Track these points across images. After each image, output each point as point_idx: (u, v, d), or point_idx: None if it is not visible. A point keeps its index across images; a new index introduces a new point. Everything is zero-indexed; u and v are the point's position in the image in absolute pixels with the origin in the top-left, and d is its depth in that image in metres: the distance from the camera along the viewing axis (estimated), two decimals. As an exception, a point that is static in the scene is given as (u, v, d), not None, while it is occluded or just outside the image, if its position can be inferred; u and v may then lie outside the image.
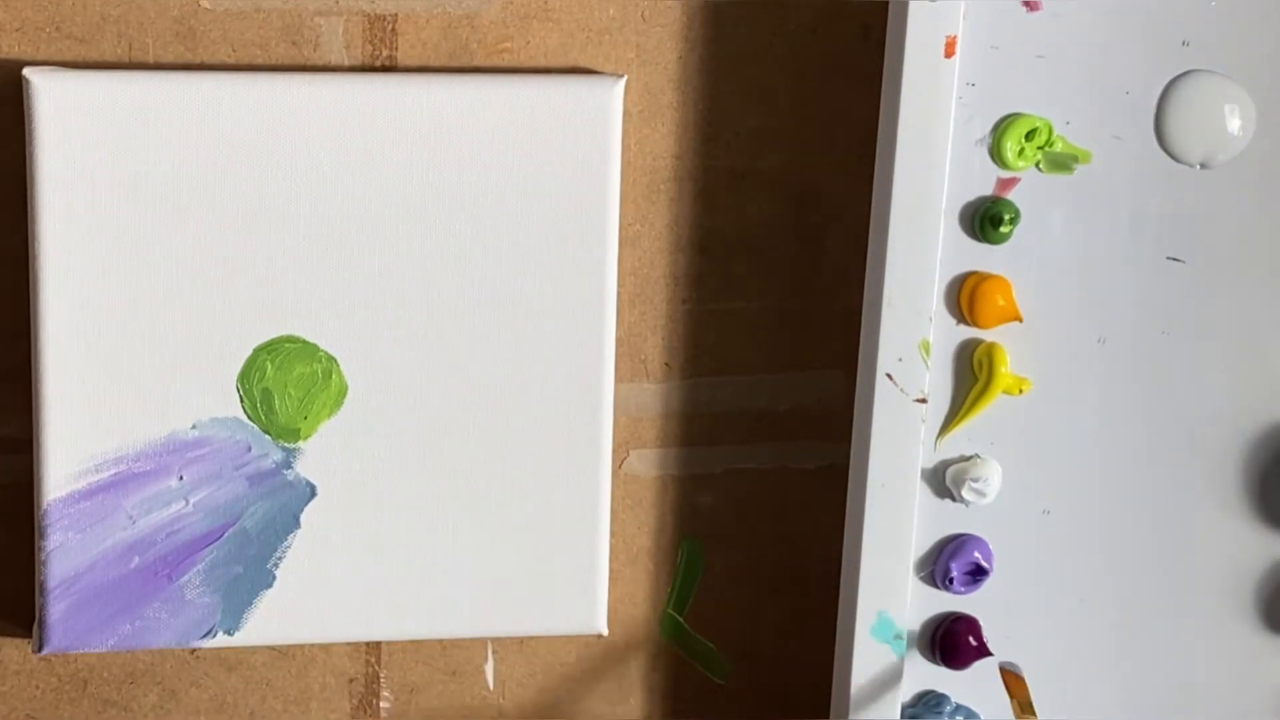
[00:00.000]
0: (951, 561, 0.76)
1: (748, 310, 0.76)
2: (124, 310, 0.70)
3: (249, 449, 0.72)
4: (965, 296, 0.74)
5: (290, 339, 0.71)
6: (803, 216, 0.76)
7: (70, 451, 0.70)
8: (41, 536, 0.71)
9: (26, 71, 0.68)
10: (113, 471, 0.71)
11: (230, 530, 0.72)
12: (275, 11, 0.71)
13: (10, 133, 0.70)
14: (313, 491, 0.72)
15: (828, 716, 0.77)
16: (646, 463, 0.77)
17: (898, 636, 0.75)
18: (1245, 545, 0.78)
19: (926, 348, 0.73)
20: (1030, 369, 0.75)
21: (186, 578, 0.72)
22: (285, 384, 0.72)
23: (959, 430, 0.75)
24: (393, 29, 0.72)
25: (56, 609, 0.71)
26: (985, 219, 0.73)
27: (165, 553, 0.72)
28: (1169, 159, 0.74)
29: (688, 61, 0.74)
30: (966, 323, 0.74)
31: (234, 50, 0.71)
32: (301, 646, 0.76)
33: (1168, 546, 0.77)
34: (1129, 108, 0.74)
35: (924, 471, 0.75)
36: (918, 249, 0.72)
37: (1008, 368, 0.75)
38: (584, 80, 0.71)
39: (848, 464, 0.75)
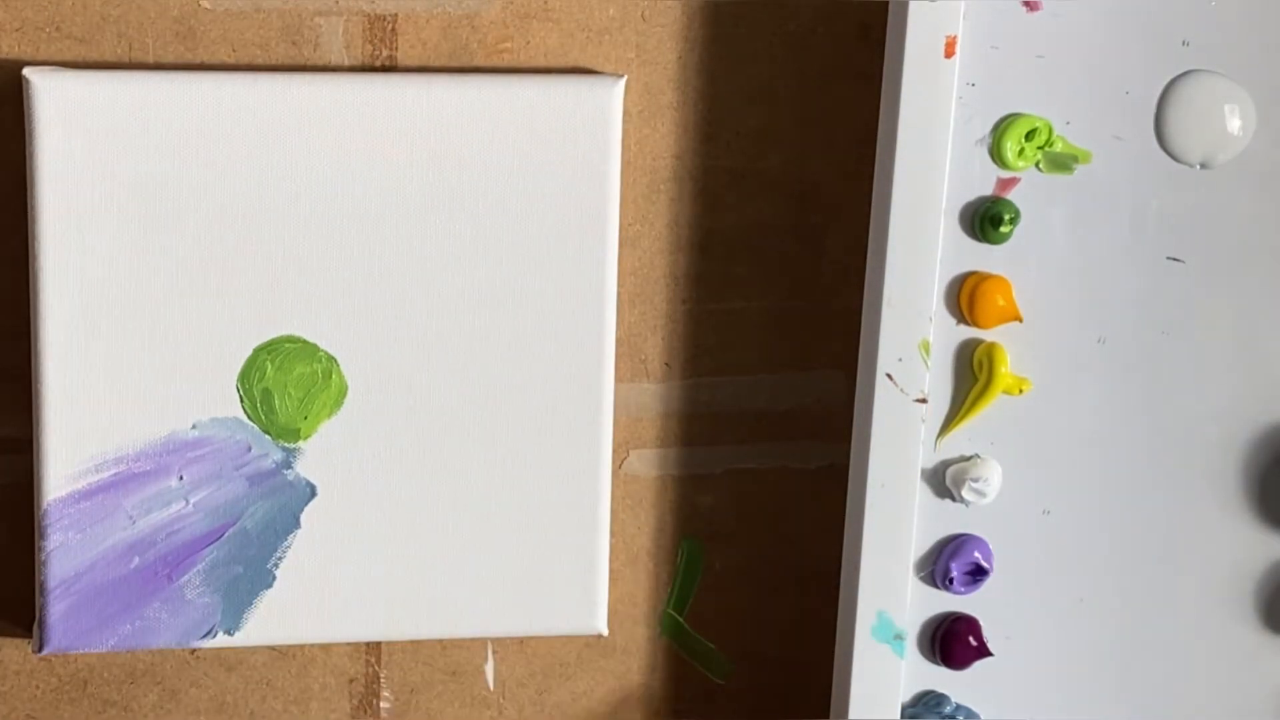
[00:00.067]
0: (951, 561, 0.76)
1: (748, 310, 0.76)
2: (124, 310, 0.70)
3: (249, 449, 0.72)
4: (965, 296, 0.74)
5: (290, 339, 0.71)
6: (803, 216, 0.76)
7: (70, 451, 0.70)
8: (41, 536, 0.71)
9: (26, 71, 0.68)
10: (113, 471, 0.71)
11: (230, 530, 0.72)
12: (275, 11, 0.71)
13: (10, 133, 0.70)
14: (313, 491, 0.73)
15: (828, 717, 0.77)
16: (646, 463, 0.77)
17: (898, 636, 0.75)
18: (1245, 545, 0.78)
19: (926, 348, 0.73)
20: (1030, 369, 0.75)
21: (186, 578, 0.72)
22: (285, 384, 0.72)
23: (959, 430, 0.75)
24: (393, 29, 0.72)
25: (56, 609, 0.71)
26: (985, 219, 0.73)
27: (165, 553, 0.72)
28: (1169, 159, 0.74)
29: (688, 61, 0.74)
30: (966, 323, 0.74)
31: (234, 50, 0.71)
32: (301, 646, 0.76)
33: (1168, 546, 0.77)
34: (1129, 108, 0.74)
35: (924, 471, 0.75)
36: (918, 249, 0.72)
37: (1008, 368, 0.75)
38: (584, 80, 0.71)
39: (848, 464, 0.75)
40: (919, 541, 0.75)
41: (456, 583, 0.74)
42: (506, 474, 0.73)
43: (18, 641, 0.74)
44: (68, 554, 0.71)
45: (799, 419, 0.78)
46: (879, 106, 0.72)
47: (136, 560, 0.72)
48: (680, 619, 0.79)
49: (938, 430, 0.75)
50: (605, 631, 0.76)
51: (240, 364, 0.71)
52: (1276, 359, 0.76)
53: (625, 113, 0.73)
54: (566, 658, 0.78)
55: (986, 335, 0.75)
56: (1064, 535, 0.77)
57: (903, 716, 0.76)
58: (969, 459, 0.75)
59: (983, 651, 0.76)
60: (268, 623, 0.73)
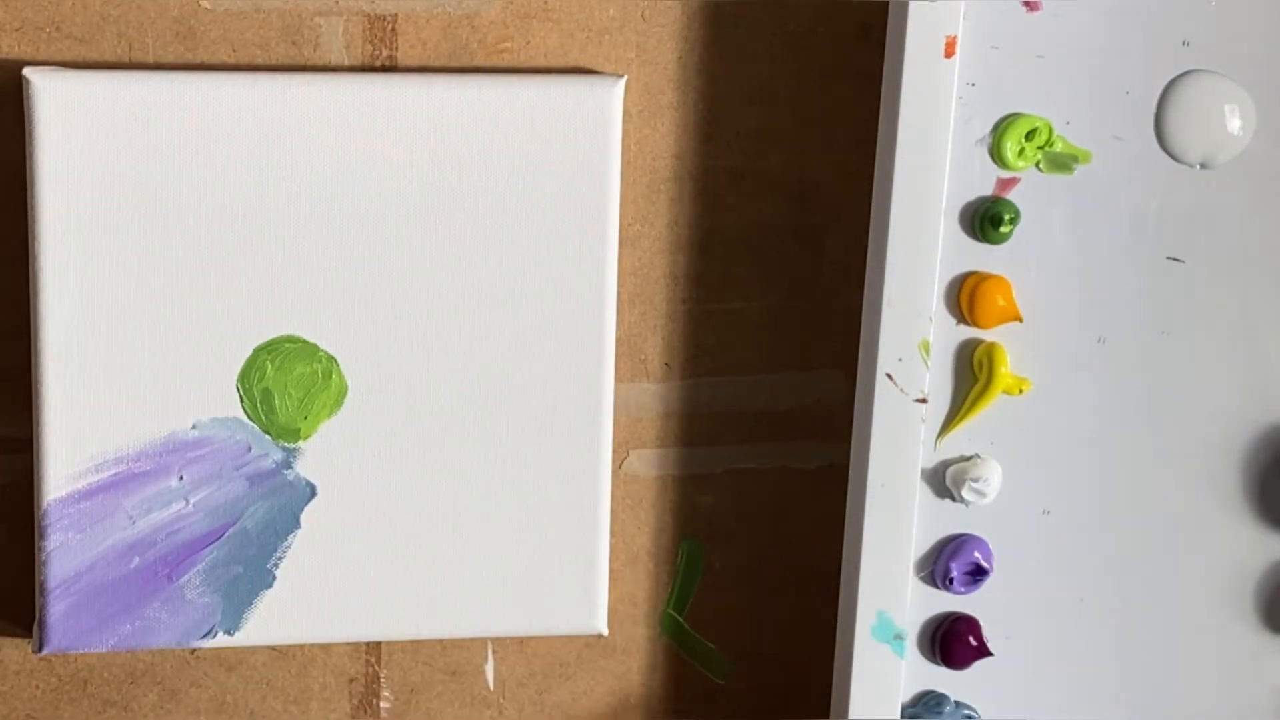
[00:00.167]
0: (951, 561, 0.76)
1: (748, 310, 0.76)
2: (124, 310, 0.70)
3: (249, 449, 0.72)
4: (965, 296, 0.74)
5: (290, 339, 0.71)
6: (803, 216, 0.76)
7: (70, 451, 0.70)
8: (41, 536, 0.71)
9: (26, 71, 0.68)
10: (113, 471, 0.71)
11: (230, 530, 0.72)
12: (275, 11, 0.71)
13: (10, 133, 0.70)
14: (313, 491, 0.73)
15: (828, 716, 0.77)
16: (646, 463, 0.77)
17: (898, 636, 0.75)
18: (1245, 545, 0.78)
19: (926, 348, 0.73)
20: (1030, 369, 0.75)
21: (186, 578, 0.72)
22: (285, 384, 0.72)
23: (959, 430, 0.75)
24: (393, 29, 0.72)
25: (56, 609, 0.71)
26: (985, 219, 0.73)
27: (165, 553, 0.72)
28: (1169, 159, 0.74)
29: (688, 61, 0.74)
30: (966, 323, 0.74)
31: (234, 50, 0.71)
32: (301, 646, 0.76)
33: (1168, 546, 0.77)
34: (1129, 108, 0.74)
35: (924, 471, 0.75)
36: (918, 249, 0.72)
37: (1008, 368, 0.75)
38: (584, 80, 0.71)
39: (848, 464, 0.75)
40: (919, 541, 0.75)
41: (456, 583, 0.74)
42: (506, 474, 0.73)
43: (18, 641, 0.74)
44: (68, 554, 0.71)
45: (799, 419, 0.78)
46: (879, 106, 0.72)
47: (136, 560, 0.72)
48: (680, 619, 0.79)
49: (938, 430, 0.75)
50: (605, 631, 0.76)
51: (240, 364, 0.71)
52: (1276, 359, 0.76)
53: (625, 113, 0.73)
54: (566, 658, 0.78)
55: (986, 335, 0.75)
56: (1064, 535, 0.77)
57: (903, 716, 0.76)
58: (969, 459, 0.75)
59: (983, 651, 0.76)
60: (268, 623, 0.73)
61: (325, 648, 0.76)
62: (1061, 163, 0.74)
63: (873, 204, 0.73)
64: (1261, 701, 0.79)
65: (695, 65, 0.74)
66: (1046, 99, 0.73)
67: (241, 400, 0.71)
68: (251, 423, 0.72)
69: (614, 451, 0.76)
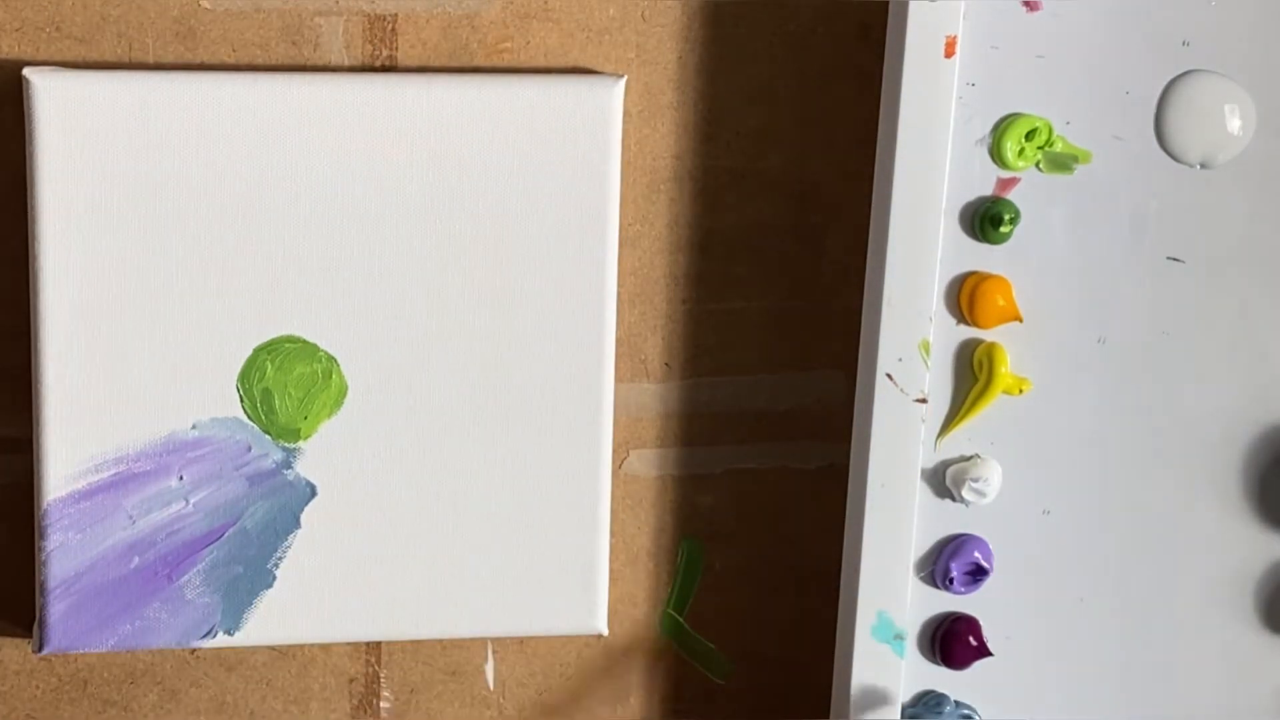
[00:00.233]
0: (951, 561, 0.76)
1: (748, 310, 0.76)
2: (124, 310, 0.70)
3: (249, 449, 0.72)
4: (965, 296, 0.74)
5: (290, 339, 0.71)
6: (803, 216, 0.76)
7: (70, 451, 0.70)
8: (41, 536, 0.71)
9: (26, 71, 0.68)
10: (113, 471, 0.71)
11: (230, 530, 0.72)
12: (275, 11, 0.71)
13: (10, 133, 0.70)
14: (313, 491, 0.73)
15: (828, 717, 0.77)
16: (646, 463, 0.77)
17: (898, 636, 0.75)
18: (1245, 545, 0.78)
19: (926, 348, 0.73)
20: (1030, 369, 0.75)
21: (186, 578, 0.72)
22: (285, 384, 0.72)
23: (959, 430, 0.75)
24: (393, 29, 0.72)
25: (56, 609, 0.71)
26: (985, 219, 0.73)
27: (165, 553, 0.72)
28: (1169, 159, 0.74)
29: (688, 61, 0.74)
30: (966, 323, 0.74)
31: (234, 50, 0.71)
32: (301, 646, 0.76)
33: (1168, 546, 0.77)
34: (1129, 108, 0.74)
35: (924, 471, 0.75)
36: (918, 249, 0.72)
37: (1008, 368, 0.75)
38: (584, 80, 0.71)
39: (848, 464, 0.75)
40: (919, 541, 0.75)
41: (456, 583, 0.74)
42: (506, 474, 0.73)
43: (18, 641, 0.74)
44: (68, 554, 0.71)
45: (799, 419, 0.78)
46: (879, 106, 0.72)
47: (136, 560, 0.72)
48: (680, 619, 0.79)
49: (938, 430, 0.75)
50: (605, 631, 0.76)
51: (240, 364, 0.71)
52: (1276, 359, 0.76)
53: (625, 113, 0.73)
54: (566, 658, 0.78)
55: (986, 335, 0.75)
56: (1064, 535, 0.77)
57: (903, 716, 0.76)
58: (969, 459, 0.75)
59: (983, 651, 0.76)
60: (268, 623, 0.73)
61: (325, 648, 0.76)
62: (1061, 163, 0.74)
63: (873, 204, 0.73)
64: (1261, 701, 0.79)
65: (695, 65, 0.74)
66: (1046, 99, 0.73)
67: (241, 400, 0.71)
68: (251, 423, 0.72)
69: (614, 451, 0.76)
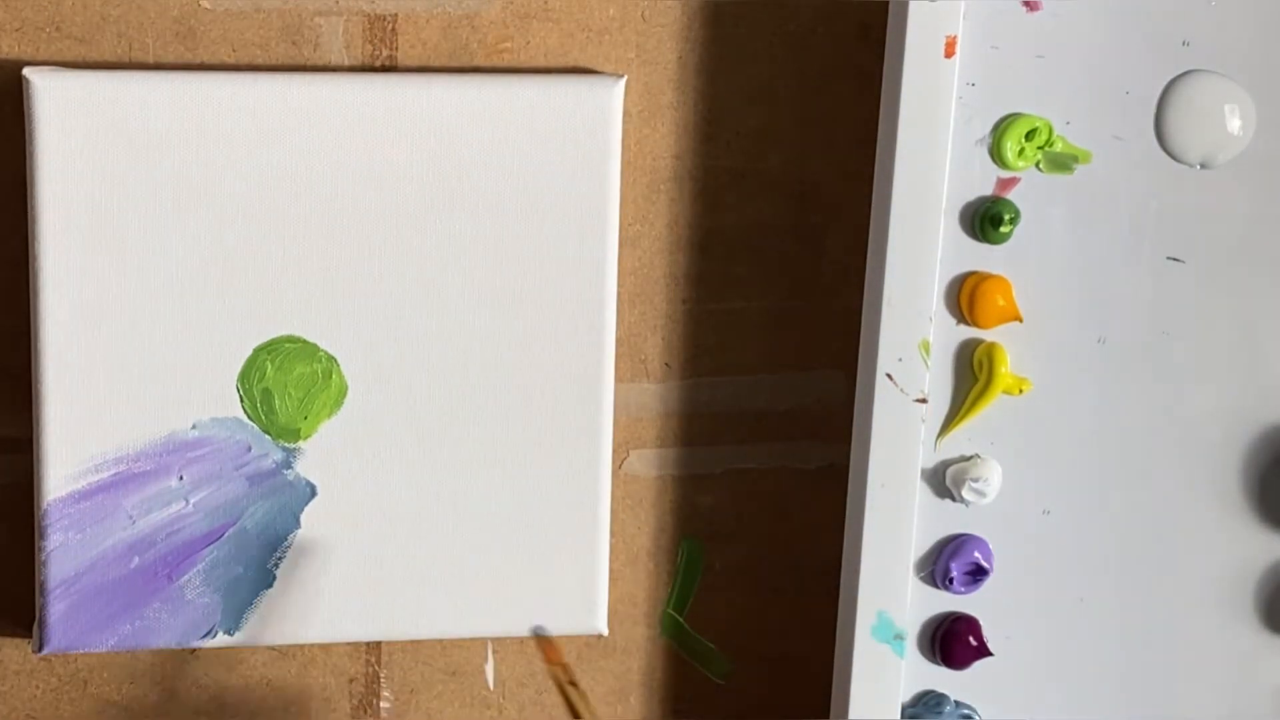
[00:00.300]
0: (951, 561, 0.76)
1: (748, 310, 0.76)
2: (124, 310, 0.70)
3: (249, 449, 0.72)
4: (965, 296, 0.74)
5: (290, 339, 0.71)
6: (803, 216, 0.76)
7: (70, 451, 0.70)
8: (41, 536, 0.71)
9: (26, 71, 0.68)
10: (113, 471, 0.71)
11: (230, 530, 0.72)
12: (275, 11, 0.71)
13: (10, 133, 0.70)
14: (313, 491, 0.73)
15: (828, 716, 0.77)
16: (646, 463, 0.77)
17: (898, 636, 0.75)
18: (1245, 545, 0.78)
19: (926, 348, 0.73)
20: (1030, 369, 0.75)
21: (186, 578, 0.72)
22: (285, 384, 0.72)
23: (959, 430, 0.75)
24: (393, 29, 0.72)
25: (56, 609, 0.71)
26: (985, 219, 0.73)
27: (165, 553, 0.72)
28: (1169, 159, 0.74)
29: (688, 61, 0.74)
30: (966, 323, 0.74)
31: (234, 50, 0.71)
32: (301, 646, 0.76)
33: (1168, 546, 0.77)
34: (1129, 108, 0.74)
35: (924, 471, 0.75)
36: (918, 249, 0.72)
37: (1008, 368, 0.75)
38: (584, 80, 0.71)
39: (848, 464, 0.75)
40: (919, 541, 0.75)
41: (456, 583, 0.74)
42: (506, 474, 0.73)
43: (18, 641, 0.74)
44: (68, 554, 0.71)
45: (799, 419, 0.78)
46: (879, 106, 0.72)
47: (136, 560, 0.72)
48: (680, 619, 0.79)
49: (938, 430, 0.75)
50: (605, 631, 0.76)
51: (240, 364, 0.71)
52: (1276, 359, 0.76)
53: (625, 113, 0.73)
54: (566, 658, 0.78)
55: (986, 335, 0.75)
56: (1064, 535, 0.77)
57: (903, 716, 0.76)
58: (969, 459, 0.75)
59: (983, 651, 0.76)
60: (268, 623, 0.73)
61: (325, 648, 0.76)
62: (1061, 163, 0.74)
63: (873, 204, 0.73)
64: (1261, 701, 0.79)
65: (695, 65, 0.74)
66: (1046, 99, 0.73)
67: (241, 400, 0.71)
68: (251, 423, 0.72)
69: (614, 451, 0.76)
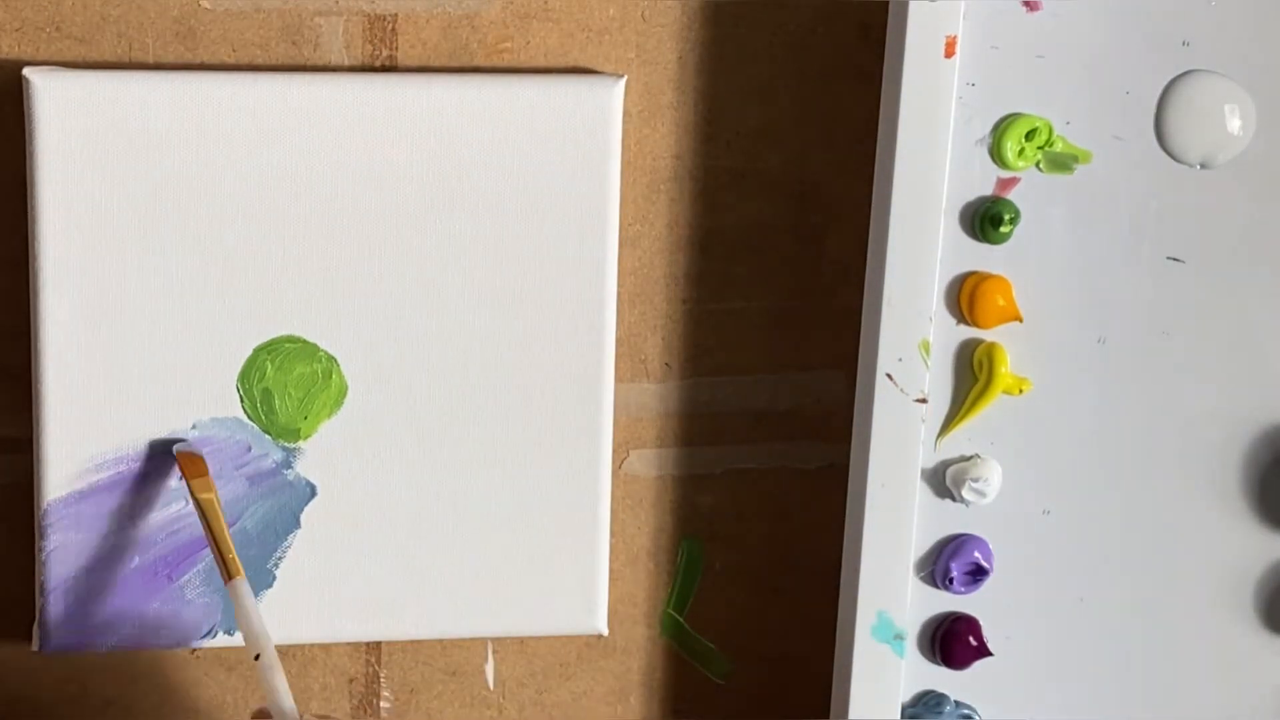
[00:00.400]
0: (951, 561, 0.76)
1: (748, 310, 0.76)
2: (124, 310, 0.70)
3: (249, 449, 0.72)
4: (965, 296, 0.74)
5: (290, 339, 0.71)
6: (803, 216, 0.76)
7: (70, 451, 0.70)
8: (41, 536, 0.71)
9: (26, 71, 0.68)
10: (113, 471, 0.71)
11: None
12: (275, 11, 0.71)
13: (10, 133, 0.70)
14: (313, 491, 0.73)
15: (828, 716, 0.77)
16: (646, 463, 0.77)
17: (898, 636, 0.75)
18: (1245, 545, 0.78)
19: (926, 348, 0.73)
20: (1030, 369, 0.75)
21: (186, 578, 0.72)
22: (285, 384, 0.72)
23: (959, 430, 0.75)
24: (393, 29, 0.72)
25: (56, 609, 0.71)
26: (985, 219, 0.73)
27: (165, 553, 0.72)
28: (1169, 159, 0.74)
29: (688, 61, 0.74)
30: (966, 323, 0.74)
31: (234, 50, 0.71)
32: (301, 646, 0.76)
33: (1168, 546, 0.77)
34: (1129, 108, 0.74)
35: (924, 471, 0.75)
36: (918, 249, 0.72)
37: (1008, 368, 0.75)
38: (584, 80, 0.71)
39: (848, 464, 0.75)
40: (919, 541, 0.75)
41: (456, 583, 0.74)
42: (506, 474, 0.73)
43: (18, 641, 0.74)
44: (68, 554, 0.71)
45: (799, 419, 0.78)
46: (879, 106, 0.72)
47: (136, 560, 0.72)
48: (680, 619, 0.79)
49: (938, 430, 0.75)
50: (605, 631, 0.76)
51: (240, 364, 0.71)
52: (1276, 359, 0.76)
53: (625, 113, 0.73)
54: (566, 658, 0.78)
55: (986, 335, 0.75)
56: (1064, 535, 0.77)
57: (903, 716, 0.76)
58: (969, 459, 0.75)
59: (983, 651, 0.76)
60: (268, 623, 0.73)
61: (325, 648, 0.76)
62: (1061, 163, 0.74)
63: (873, 204, 0.73)
64: (1261, 701, 0.79)
65: (695, 65, 0.74)
66: (1046, 99, 0.73)
67: (241, 400, 0.71)
68: (251, 423, 0.72)
69: (614, 451, 0.76)
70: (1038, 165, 0.74)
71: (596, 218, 0.72)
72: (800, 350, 0.77)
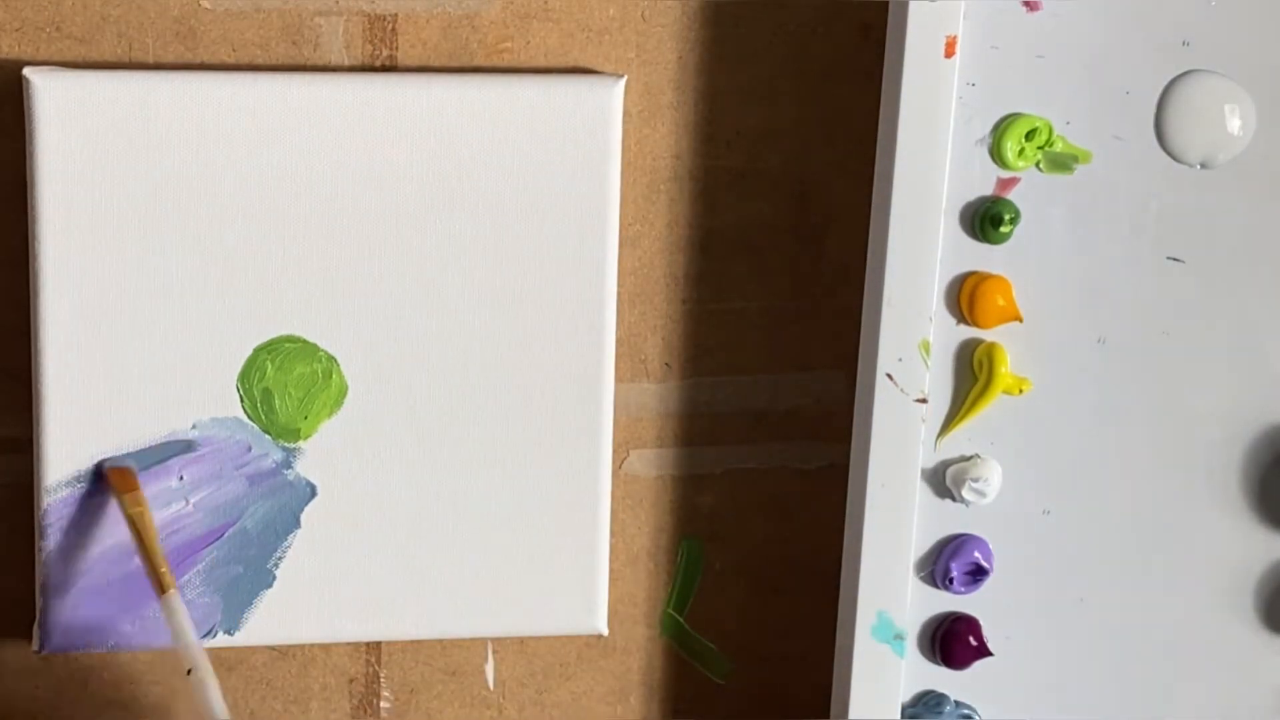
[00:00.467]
0: (951, 561, 0.76)
1: (748, 310, 0.76)
2: (124, 310, 0.70)
3: (249, 449, 0.72)
4: (965, 296, 0.74)
5: (290, 339, 0.71)
6: (803, 216, 0.76)
7: (70, 451, 0.70)
8: (41, 536, 0.71)
9: (26, 71, 0.68)
10: (113, 471, 0.71)
11: (230, 530, 0.72)
12: (275, 11, 0.71)
13: (10, 133, 0.70)
14: (313, 491, 0.73)
15: (828, 716, 0.77)
16: (646, 463, 0.77)
17: (898, 636, 0.75)
18: (1245, 545, 0.78)
19: (926, 348, 0.73)
20: (1030, 369, 0.75)
21: (186, 578, 0.72)
22: (285, 384, 0.72)
23: (959, 430, 0.75)
24: (393, 29, 0.72)
25: (56, 609, 0.71)
26: (985, 219, 0.73)
27: (165, 553, 0.72)
28: (1169, 159, 0.74)
29: (688, 61, 0.74)
30: (966, 323, 0.74)
31: (234, 50, 0.71)
32: (301, 646, 0.76)
33: (1168, 546, 0.77)
34: (1129, 108, 0.74)
35: (924, 471, 0.75)
36: (918, 249, 0.72)
37: (1008, 368, 0.75)
38: (584, 80, 0.71)
39: (848, 464, 0.75)
40: (919, 541, 0.75)
41: (456, 583, 0.74)
42: (506, 474, 0.73)
43: (18, 641, 0.74)
44: (68, 554, 0.71)
45: (799, 419, 0.78)
46: (879, 106, 0.72)
47: (136, 560, 0.72)
48: (680, 619, 0.79)
49: (938, 430, 0.75)
50: (605, 631, 0.76)
51: (240, 364, 0.71)
52: (1276, 359, 0.76)
53: (625, 113, 0.73)
54: (566, 658, 0.78)
55: (986, 335, 0.75)
56: (1064, 535, 0.77)
57: (903, 716, 0.76)
58: (969, 459, 0.75)
59: (983, 651, 0.76)
60: (268, 623, 0.73)
61: (325, 648, 0.76)
62: (1061, 163, 0.74)
63: (873, 204, 0.73)
64: (1261, 701, 0.79)
65: (695, 65, 0.74)
66: (1046, 99, 0.73)
67: (241, 400, 0.71)
68: (251, 423, 0.72)
69: (614, 451, 0.76)
70: (1038, 165, 0.74)
71: (596, 218, 0.72)
72: (800, 350, 0.77)
